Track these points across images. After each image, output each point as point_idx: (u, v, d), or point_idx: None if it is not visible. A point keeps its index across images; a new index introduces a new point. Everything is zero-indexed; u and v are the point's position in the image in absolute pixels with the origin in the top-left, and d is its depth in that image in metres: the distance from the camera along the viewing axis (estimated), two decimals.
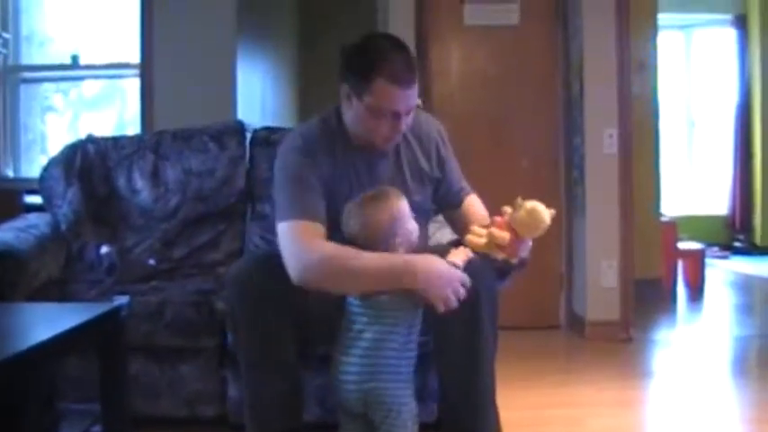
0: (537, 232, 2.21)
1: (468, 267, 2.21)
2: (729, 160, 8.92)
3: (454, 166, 2.63)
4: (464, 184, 2.64)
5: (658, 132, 6.35)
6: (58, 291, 3.08)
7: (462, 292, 2.15)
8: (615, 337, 4.57)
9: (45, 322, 2.10)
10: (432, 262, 2.17)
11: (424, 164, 2.53)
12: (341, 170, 2.41)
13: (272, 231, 2.46)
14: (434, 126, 2.61)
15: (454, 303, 2.14)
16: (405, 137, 2.48)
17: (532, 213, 2.18)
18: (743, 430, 3.08)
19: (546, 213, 2.20)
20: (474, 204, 2.59)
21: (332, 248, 2.23)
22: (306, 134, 2.46)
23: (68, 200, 3.46)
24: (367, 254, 2.20)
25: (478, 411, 2.36)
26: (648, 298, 5.55)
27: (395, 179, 2.46)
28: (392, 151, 2.48)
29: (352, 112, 2.38)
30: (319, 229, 2.29)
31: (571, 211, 4.92)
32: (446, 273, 2.15)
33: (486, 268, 2.31)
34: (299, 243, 2.24)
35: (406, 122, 2.38)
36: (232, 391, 2.83)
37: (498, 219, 2.23)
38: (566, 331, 4.96)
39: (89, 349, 2.33)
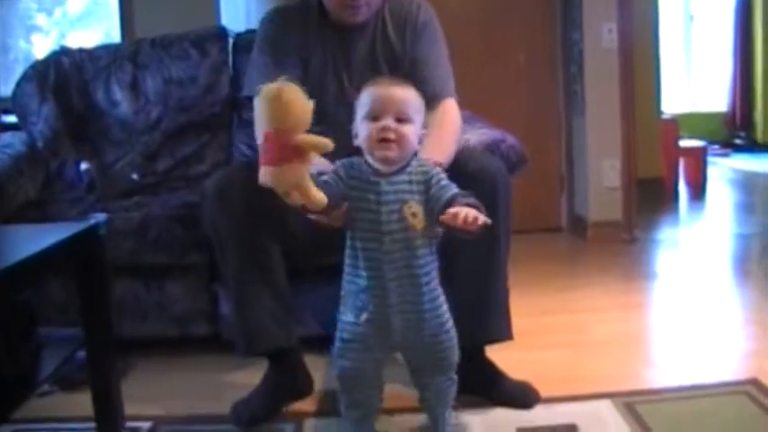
0: (290, 116, 1.63)
1: (486, 161, 2.20)
2: (729, 56, 8.69)
3: (435, 58, 2.40)
4: (444, 84, 2.37)
5: (658, 27, 6.15)
6: (37, 212, 2.92)
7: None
8: (618, 238, 4.49)
9: (15, 244, 1.97)
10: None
11: (397, 45, 2.42)
12: (314, 44, 2.41)
13: None
14: (416, 6, 2.45)
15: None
16: (383, 18, 2.43)
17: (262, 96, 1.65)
18: (747, 331, 2.99)
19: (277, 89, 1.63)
20: (449, 112, 2.31)
21: None
22: (282, 6, 2.51)
23: (44, 116, 3.29)
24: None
25: (494, 319, 2.26)
26: (650, 197, 5.45)
27: (368, 61, 2.41)
28: (369, 32, 2.42)
29: None
30: None
31: (570, 108, 4.71)
32: None
33: (500, 163, 2.27)
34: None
35: None
36: (224, 308, 2.72)
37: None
38: (567, 233, 4.87)
39: (69, 271, 2.21)
